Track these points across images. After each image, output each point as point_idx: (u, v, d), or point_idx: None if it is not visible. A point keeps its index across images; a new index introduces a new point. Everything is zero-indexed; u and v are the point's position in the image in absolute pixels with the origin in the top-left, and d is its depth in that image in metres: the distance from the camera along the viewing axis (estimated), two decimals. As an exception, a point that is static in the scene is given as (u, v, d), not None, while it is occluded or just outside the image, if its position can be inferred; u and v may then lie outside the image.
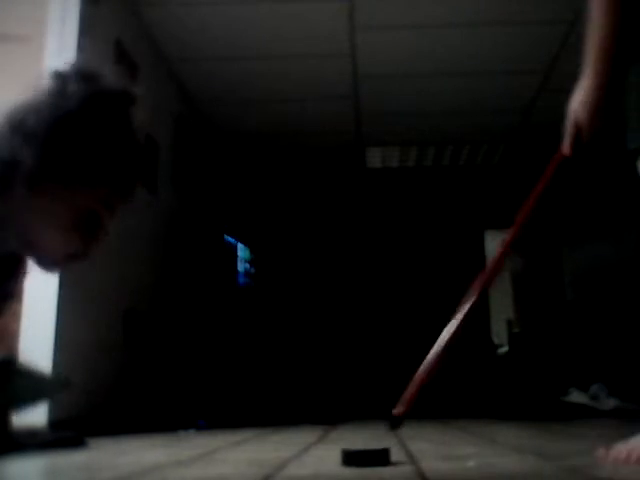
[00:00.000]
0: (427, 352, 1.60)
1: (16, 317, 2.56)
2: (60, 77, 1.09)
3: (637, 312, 5.19)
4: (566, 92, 1.61)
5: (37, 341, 2.52)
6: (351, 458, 1.48)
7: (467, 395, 5.37)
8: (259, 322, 5.71)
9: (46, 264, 1.15)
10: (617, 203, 5.62)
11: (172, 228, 4.14)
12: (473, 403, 5.09)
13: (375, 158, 5.80)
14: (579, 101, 1.57)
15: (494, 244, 6.76)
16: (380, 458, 1.48)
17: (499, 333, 7.23)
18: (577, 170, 1.71)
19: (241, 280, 5.69)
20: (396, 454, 1.66)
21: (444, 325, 1.62)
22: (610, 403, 4.45)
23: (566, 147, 1.63)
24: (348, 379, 5.67)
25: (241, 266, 5.71)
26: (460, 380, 5.46)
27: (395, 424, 1.50)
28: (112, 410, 3.02)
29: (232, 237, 5.52)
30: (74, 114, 1.06)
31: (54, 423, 2.44)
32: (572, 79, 1.58)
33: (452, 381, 5.48)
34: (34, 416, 2.41)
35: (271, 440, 2.33)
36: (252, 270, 5.92)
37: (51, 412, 2.45)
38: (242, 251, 5.75)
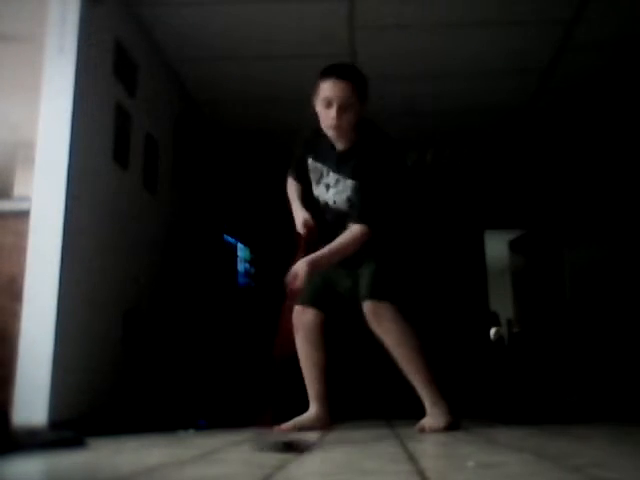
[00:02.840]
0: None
1: (16, 317, 2.56)
2: None
3: (636, 312, 5.19)
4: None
5: (37, 341, 2.52)
6: None
7: (467, 395, 5.36)
8: (259, 322, 5.71)
9: None
10: (617, 204, 5.61)
11: (172, 228, 4.14)
12: (473, 403, 5.09)
13: (375, 158, 5.79)
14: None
15: (494, 244, 6.77)
16: None
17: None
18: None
19: (241, 280, 5.69)
20: (396, 454, 1.66)
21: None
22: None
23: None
24: (348, 379, 5.66)
25: (241, 266, 5.71)
26: (460, 380, 5.45)
27: None
28: (112, 410, 3.02)
29: (232, 237, 5.52)
30: None
31: (54, 423, 2.44)
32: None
33: (452, 381, 5.46)
34: (34, 416, 2.42)
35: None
36: (252, 270, 5.92)
37: (51, 412, 2.45)
38: (242, 251, 5.75)
